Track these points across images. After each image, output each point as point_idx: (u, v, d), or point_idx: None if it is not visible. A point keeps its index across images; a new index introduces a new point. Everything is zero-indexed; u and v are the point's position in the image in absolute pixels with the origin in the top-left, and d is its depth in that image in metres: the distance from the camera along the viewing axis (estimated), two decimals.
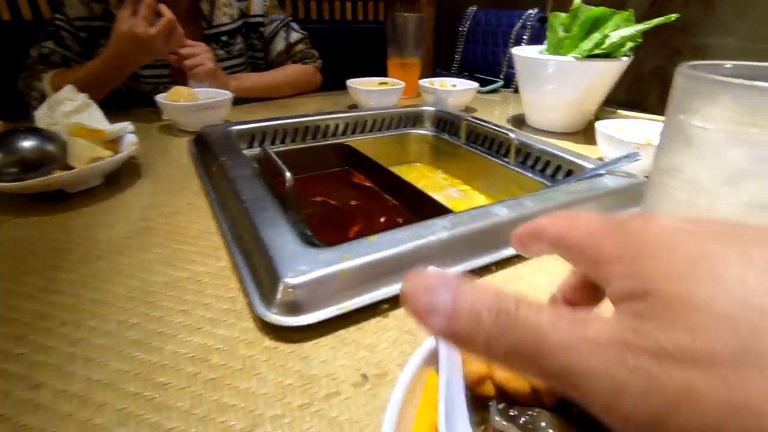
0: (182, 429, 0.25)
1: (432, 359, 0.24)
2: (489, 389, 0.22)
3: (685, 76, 0.27)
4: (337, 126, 0.78)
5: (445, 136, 0.81)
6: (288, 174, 0.48)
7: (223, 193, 0.50)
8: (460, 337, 0.13)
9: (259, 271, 0.36)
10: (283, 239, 0.37)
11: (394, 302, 0.36)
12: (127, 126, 0.60)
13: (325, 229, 0.50)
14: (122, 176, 0.58)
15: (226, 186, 0.50)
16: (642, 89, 1.00)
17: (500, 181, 0.69)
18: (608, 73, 0.74)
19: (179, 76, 0.94)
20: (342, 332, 0.33)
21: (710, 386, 0.10)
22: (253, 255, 0.38)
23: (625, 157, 0.55)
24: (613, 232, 0.14)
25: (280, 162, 0.51)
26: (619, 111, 0.72)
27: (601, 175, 0.55)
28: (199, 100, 0.78)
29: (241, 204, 0.44)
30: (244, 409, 0.27)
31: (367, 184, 0.72)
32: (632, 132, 0.66)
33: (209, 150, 0.61)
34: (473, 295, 0.13)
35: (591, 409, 0.11)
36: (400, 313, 0.35)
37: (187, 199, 0.52)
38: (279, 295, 0.33)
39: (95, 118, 0.58)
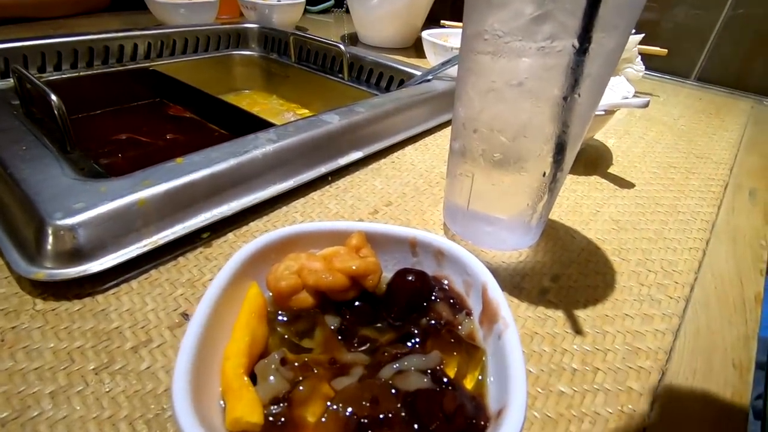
0: None
1: (249, 271, 0.20)
2: (305, 300, 0.20)
3: None
4: (135, 46, 0.63)
5: (274, 56, 0.73)
6: (53, 96, 0.36)
7: None
8: None
9: (16, 219, 0.27)
10: (46, 174, 0.28)
11: (217, 228, 0.31)
12: None
13: (135, 168, 0.40)
14: None
15: None
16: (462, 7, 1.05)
17: (337, 99, 0.65)
18: None
19: None
20: (152, 272, 0.27)
21: None
22: (3, 202, 0.28)
23: (449, 61, 0.56)
24: None
25: (39, 83, 0.38)
26: (443, 21, 0.74)
27: (429, 80, 0.55)
28: None
29: None
30: (5, 394, 0.20)
31: (187, 114, 0.61)
32: (456, 40, 0.68)
33: None
34: None
35: None
36: (226, 239, 0.30)
37: None
38: (49, 244, 0.25)
39: None
